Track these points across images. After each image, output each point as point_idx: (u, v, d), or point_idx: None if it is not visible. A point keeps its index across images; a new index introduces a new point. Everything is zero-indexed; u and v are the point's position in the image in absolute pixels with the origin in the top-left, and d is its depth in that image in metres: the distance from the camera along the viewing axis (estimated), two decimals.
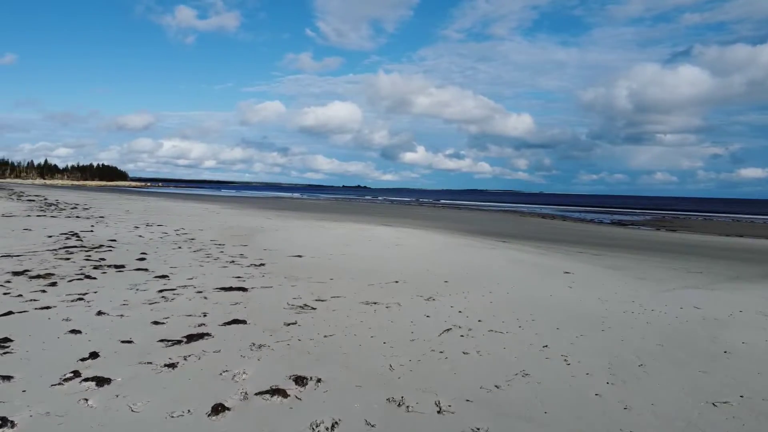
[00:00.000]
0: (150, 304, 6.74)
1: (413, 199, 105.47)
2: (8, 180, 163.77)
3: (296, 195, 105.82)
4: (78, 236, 14.11)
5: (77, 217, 20.79)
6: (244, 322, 5.96)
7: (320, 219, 26.37)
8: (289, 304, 7.01)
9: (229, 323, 5.91)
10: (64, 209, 25.86)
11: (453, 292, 8.25)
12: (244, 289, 7.85)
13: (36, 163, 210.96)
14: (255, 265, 10.35)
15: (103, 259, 10.29)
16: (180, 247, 12.61)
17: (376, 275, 9.65)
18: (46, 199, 37.50)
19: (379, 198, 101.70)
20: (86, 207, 28.11)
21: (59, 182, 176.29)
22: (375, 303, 7.27)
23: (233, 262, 10.64)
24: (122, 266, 9.59)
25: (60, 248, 11.67)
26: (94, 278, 8.31)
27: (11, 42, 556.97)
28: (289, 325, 5.98)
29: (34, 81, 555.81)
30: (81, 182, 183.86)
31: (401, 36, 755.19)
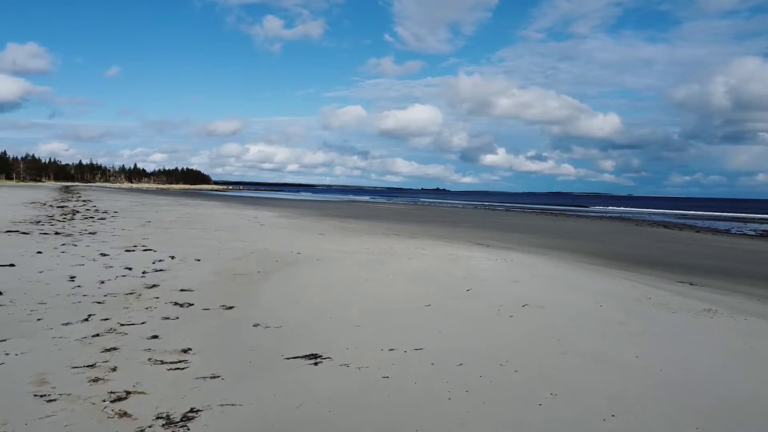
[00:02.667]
0: None
1: (496, 203, 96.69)
2: (96, 183, 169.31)
3: (366, 198, 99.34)
4: None
5: (56, 233, 15.08)
6: None
7: (390, 233, 19.62)
8: None
9: None
10: (74, 219, 20.57)
11: None
12: None
13: (127, 167, 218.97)
14: None
15: None
16: (86, 319, 6.15)
17: None
18: (84, 204, 33.08)
19: (460, 203, 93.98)
20: (104, 217, 22.76)
21: (145, 186, 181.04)
22: None
23: (119, 400, 3.99)
24: None
25: None
26: None
27: (116, 56, 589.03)
28: None
29: (134, 91, 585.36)
30: (166, 186, 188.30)
31: (479, 38, 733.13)
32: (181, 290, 7.94)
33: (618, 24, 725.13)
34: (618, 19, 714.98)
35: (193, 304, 7.07)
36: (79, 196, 48.84)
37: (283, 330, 5.96)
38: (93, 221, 20.05)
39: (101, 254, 11.28)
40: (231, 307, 6.98)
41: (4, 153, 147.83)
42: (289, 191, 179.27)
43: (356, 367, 4.80)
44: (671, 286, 10.42)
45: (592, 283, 10.01)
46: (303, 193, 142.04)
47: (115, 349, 5.09)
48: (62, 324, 5.88)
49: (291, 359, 4.99)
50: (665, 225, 41.30)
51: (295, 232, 19.02)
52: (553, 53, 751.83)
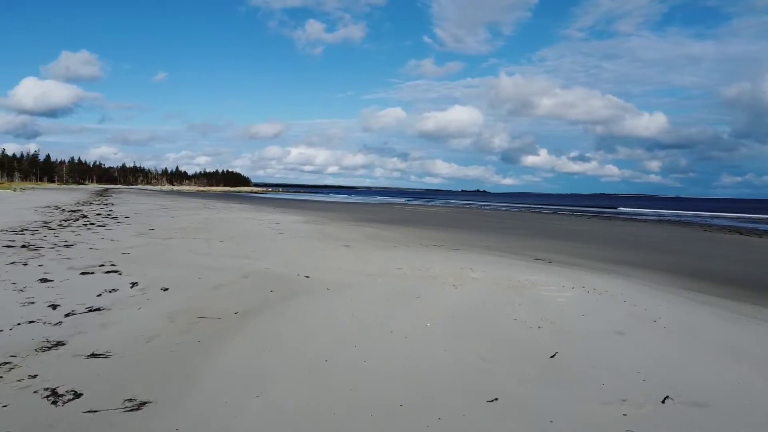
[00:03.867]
0: None
1: (540, 205, 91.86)
2: (138, 186, 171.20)
3: (402, 200, 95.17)
4: None
5: (24, 245, 12.46)
6: None
7: (429, 243, 16.40)
8: None
9: None
10: (69, 227, 18.10)
11: None
12: None
13: (171, 170, 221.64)
14: None
15: None
16: None
17: None
18: (103, 207, 30.98)
19: (503, 206, 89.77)
20: (106, 224, 20.28)
21: (185, 188, 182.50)
22: None
23: None
24: None
25: None
26: None
27: (162, 62, 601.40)
28: None
29: (180, 95, 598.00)
30: (206, 188, 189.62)
31: (519, 38, 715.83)
32: (91, 355, 4.95)
33: (663, 21, 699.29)
34: (663, 16, 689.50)
35: (81, 395, 4.04)
36: (107, 199, 47.27)
37: None
38: (88, 228, 17.53)
39: (42, 279, 8.45)
40: (140, 406, 3.91)
41: (48, 157, 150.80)
42: (328, 193, 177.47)
43: None
44: None
45: (733, 334, 6.58)
46: (341, 195, 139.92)
47: None
48: None
49: None
50: (738, 231, 36.70)
51: (315, 242, 16.02)
52: (596, 52, 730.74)
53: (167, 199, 53.35)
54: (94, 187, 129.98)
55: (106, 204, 36.91)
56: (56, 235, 15.18)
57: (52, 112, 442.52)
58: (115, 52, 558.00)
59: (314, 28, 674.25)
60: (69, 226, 18.45)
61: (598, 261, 14.66)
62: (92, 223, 19.67)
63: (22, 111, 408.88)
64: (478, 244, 18.18)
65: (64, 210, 27.81)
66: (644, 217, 56.85)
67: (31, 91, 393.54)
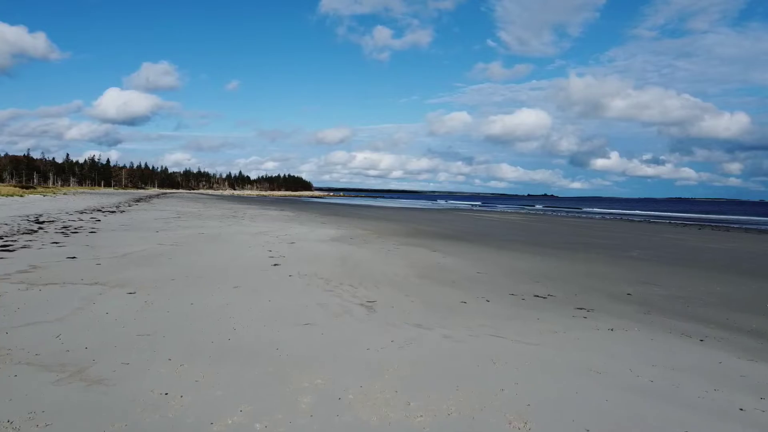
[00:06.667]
0: None
1: (620, 211, 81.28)
2: (200, 190, 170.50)
3: (467, 205, 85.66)
4: None
5: None
6: None
7: (522, 289, 8.77)
8: None
9: None
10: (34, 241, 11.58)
11: None
12: None
13: (235, 175, 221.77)
14: None
15: None
16: None
17: None
18: (96, 217, 24.93)
19: (585, 212, 79.71)
20: (24, 246, 13.67)
21: (246, 193, 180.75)
22: None
23: None
24: None
25: None
26: None
27: (236, 71, 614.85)
28: None
29: (251, 103, 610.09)
30: (267, 192, 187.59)
31: (587, 39, 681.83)
32: None
33: (741, 17, 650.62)
34: (741, 12, 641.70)
35: None
36: (131, 206, 41.95)
37: None
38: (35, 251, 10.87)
39: None
40: None
41: (107, 161, 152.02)
42: (389, 198, 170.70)
43: None
44: None
45: None
46: (403, 200, 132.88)
47: None
48: None
49: None
50: None
51: (315, 295, 8.70)
52: (669, 51, 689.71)
53: (199, 205, 47.65)
54: (151, 191, 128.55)
55: (113, 212, 31.06)
56: None
57: (132, 121, 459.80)
58: (192, 62, 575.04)
59: (382, 34, 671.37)
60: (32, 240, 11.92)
61: None
62: (6, 246, 13.13)
63: (105, 120, 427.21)
64: (611, 288, 10.29)
65: (37, 222, 21.67)
66: (760, 226, 46.43)
67: (114, 101, 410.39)
